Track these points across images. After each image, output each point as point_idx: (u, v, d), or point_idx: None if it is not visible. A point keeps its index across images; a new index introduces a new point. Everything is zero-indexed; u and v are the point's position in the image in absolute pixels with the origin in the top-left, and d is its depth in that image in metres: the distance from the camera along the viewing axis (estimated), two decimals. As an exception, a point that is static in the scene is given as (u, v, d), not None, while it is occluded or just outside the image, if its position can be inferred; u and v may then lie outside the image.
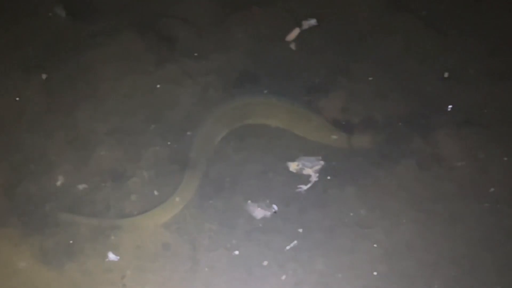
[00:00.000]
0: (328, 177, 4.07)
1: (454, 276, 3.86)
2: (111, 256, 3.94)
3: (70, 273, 3.92)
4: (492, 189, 4.02)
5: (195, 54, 4.45)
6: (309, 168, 4.07)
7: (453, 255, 3.90)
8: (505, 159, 4.08)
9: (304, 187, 4.04)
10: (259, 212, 4.02)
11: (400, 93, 4.31)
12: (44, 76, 4.41)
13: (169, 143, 4.21)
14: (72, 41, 4.50)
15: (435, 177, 4.06)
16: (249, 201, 4.04)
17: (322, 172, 4.08)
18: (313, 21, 4.51)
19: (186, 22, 4.56)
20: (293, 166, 4.07)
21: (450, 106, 4.26)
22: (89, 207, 4.07)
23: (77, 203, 4.08)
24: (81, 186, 4.12)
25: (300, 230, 3.98)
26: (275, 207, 4.04)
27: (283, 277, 3.88)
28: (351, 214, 3.99)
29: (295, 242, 3.95)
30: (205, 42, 4.50)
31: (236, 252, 3.94)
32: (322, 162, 4.06)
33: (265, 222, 4.01)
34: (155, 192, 4.09)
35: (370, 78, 4.36)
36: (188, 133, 4.23)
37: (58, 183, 4.13)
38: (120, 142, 4.22)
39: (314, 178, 4.06)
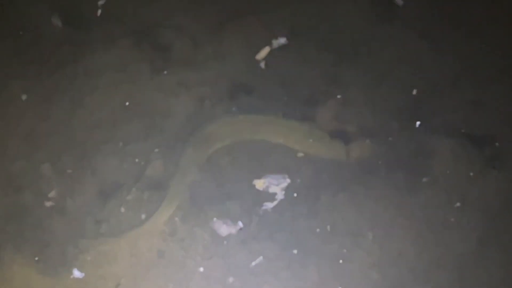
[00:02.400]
0: (295, 194, 4.11)
1: (446, 284, 3.89)
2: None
3: (65, 281, 3.94)
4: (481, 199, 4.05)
5: (191, 64, 4.47)
6: (275, 185, 4.06)
7: (444, 263, 3.91)
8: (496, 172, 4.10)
9: (270, 205, 4.04)
10: (224, 229, 4.02)
11: (391, 101, 4.36)
12: (39, 84, 4.44)
13: (159, 152, 4.22)
14: (68, 49, 4.53)
15: (426, 186, 4.06)
16: (215, 218, 4.04)
17: (288, 190, 4.10)
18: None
19: (181, 32, 4.57)
20: (259, 184, 4.06)
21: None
22: (82, 216, 4.10)
23: (68, 213, 4.10)
24: (72, 198, 4.14)
25: (268, 247, 3.99)
26: (240, 224, 4.04)
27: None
28: (318, 230, 4.01)
29: (261, 258, 3.97)
30: (200, 52, 4.52)
31: (201, 269, 3.96)
32: (288, 180, 4.07)
33: (230, 239, 4.01)
34: (145, 203, 4.10)
35: (361, 87, 4.39)
36: (182, 144, 4.22)
37: (50, 194, 4.17)
38: (114, 151, 4.23)
39: (280, 196, 4.07)
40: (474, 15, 4.56)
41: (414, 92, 4.37)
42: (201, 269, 3.94)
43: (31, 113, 4.36)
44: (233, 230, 4.01)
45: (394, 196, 4.04)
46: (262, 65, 4.47)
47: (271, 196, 4.07)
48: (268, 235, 3.99)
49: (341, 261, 3.93)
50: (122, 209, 4.05)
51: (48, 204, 4.13)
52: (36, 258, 4.00)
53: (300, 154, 4.20)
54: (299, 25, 4.59)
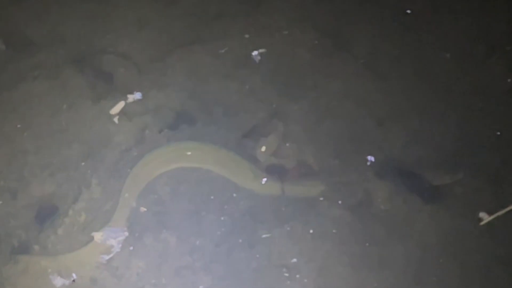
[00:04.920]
0: (131, 248, 4.00)
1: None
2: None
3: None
4: (418, 235, 4.04)
5: (133, 92, 4.45)
6: (112, 238, 4.00)
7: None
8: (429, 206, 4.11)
9: (106, 257, 3.95)
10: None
11: (335, 138, 4.35)
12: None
13: (99, 180, 4.18)
14: (11, 74, 4.53)
15: (365, 221, 4.07)
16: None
17: (124, 243, 4.01)
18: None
19: (126, 59, 4.60)
20: (97, 236, 3.99)
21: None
22: (16, 241, 4.04)
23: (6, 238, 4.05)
24: (12, 220, 4.09)
25: (203, 278, 3.95)
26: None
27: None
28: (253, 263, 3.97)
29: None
30: (144, 80, 4.52)
31: (165, 291, 3.89)
32: (126, 233, 4.01)
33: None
34: (84, 229, 4.04)
35: (304, 121, 4.39)
36: (122, 172, 4.18)
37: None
38: (52, 177, 4.19)
39: (116, 248, 3.98)
40: (421, 50, 4.65)
41: (359, 127, 4.38)
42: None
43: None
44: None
45: (332, 232, 4.03)
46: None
47: (108, 249, 3.98)
48: (205, 267, 3.95)
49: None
50: (59, 232, 4.00)
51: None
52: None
53: (238, 186, 4.18)
54: (260, 48, 4.66)
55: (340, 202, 4.11)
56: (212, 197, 4.13)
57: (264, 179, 4.15)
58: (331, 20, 4.77)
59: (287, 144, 4.30)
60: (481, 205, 4.07)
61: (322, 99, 4.47)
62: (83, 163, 4.22)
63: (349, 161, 4.25)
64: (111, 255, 3.95)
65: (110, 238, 3.99)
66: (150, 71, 4.56)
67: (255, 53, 4.62)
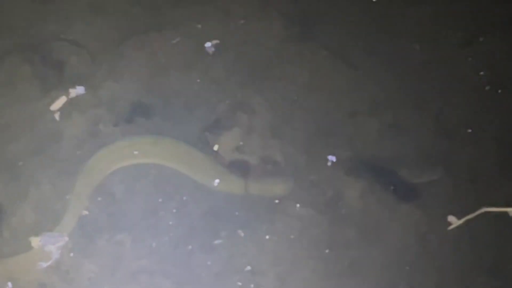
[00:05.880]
0: (71, 254, 3.89)
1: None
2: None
3: None
4: (393, 237, 3.97)
5: (86, 83, 4.34)
6: (51, 244, 3.86)
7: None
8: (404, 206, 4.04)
9: (44, 264, 3.82)
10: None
11: (303, 132, 4.26)
12: None
13: (49, 177, 4.06)
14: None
15: (335, 222, 3.99)
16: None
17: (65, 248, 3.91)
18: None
19: (78, 47, 4.48)
20: (34, 242, 3.85)
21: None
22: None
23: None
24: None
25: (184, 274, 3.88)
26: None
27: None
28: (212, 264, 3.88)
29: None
30: (98, 69, 4.41)
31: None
32: (66, 239, 3.88)
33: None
34: (32, 230, 3.92)
35: (271, 114, 4.31)
36: (73, 169, 4.07)
37: None
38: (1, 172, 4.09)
39: (55, 254, 3.85)
40: (392, 39, 4.59)
41: (329, 120, 4.30)
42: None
43: None
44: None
45: (300, 233, 3.95)
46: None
47: (47, 255, 3.85)
48: (163, 271, 3.85)
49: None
50: (5, 234, 3.92)
51: None
52: None
53: (199, 184, 4.09)
54: (214, 39, 4.54)
55: (308, 201, 4.04)
56: (170, 196, 4.04)
57: (217, 181, 4.08)
58: (296, 7, 4.69)
59: (252, 139, 4.22)
60: (460, 205, 4.02)
61: (289, 90, 4.39)
62: (31, 160, 4.11)
63: (318, 157, 4.17)
64: (49, 263, 3.85)
65: (48, 244, 3.88)
66: (104, 60, 4.45)
67: (208, 44, 4.52)
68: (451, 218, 3.95)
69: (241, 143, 4.21)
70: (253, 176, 4.12)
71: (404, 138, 4.24)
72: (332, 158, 4.16)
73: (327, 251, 3.90)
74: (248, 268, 3.85)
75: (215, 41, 4.52)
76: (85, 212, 3.96)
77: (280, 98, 4.35)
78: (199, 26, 4.58)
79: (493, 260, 3.89)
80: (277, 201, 4.03)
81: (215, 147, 4.15)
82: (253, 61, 4.48)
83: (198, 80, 4.40)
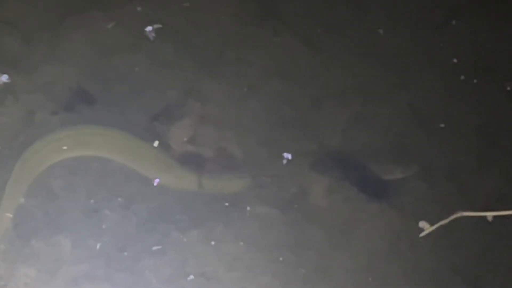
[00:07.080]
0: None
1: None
2: None
3: None
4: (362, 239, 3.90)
5: (20, 66, 4.20)
6: None
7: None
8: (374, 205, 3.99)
9: None
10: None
11: (262, 122, 4.17)
12: None
13: None
14: None
15: (299, 222, 3.92)
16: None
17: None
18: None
19: (11, 27, 4.31)
20: None
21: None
22: None
23: None
24: None
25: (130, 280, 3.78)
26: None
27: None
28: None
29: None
30: (34, 52, 4.26)
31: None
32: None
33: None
34: None
35: (226, 102, 4.22)
36: (7, 162, 3.94)
37: None
38: None
39: None
40: (360, 20, 4.46)
41: (291, 109, 4.20)
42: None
43: None
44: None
45: (259, 235, 3.88)
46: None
47: None
48: (108, 276, 3.75)
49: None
50: None
51: None
52: None
53: (148, 179, 3.99)
54: (155, 23, 4.38)
55: (268, 199, 3.97)
56: (115, 193, 3.93)
57: (157, 180, 3.95)
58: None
59: (205, 129, 4.13)
60: (436, 204, 3.96)
61: (246, 74, 4.30)
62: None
63: (279, 151, 4.08)
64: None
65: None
66: (40, 41, 4.29)
67: (149, 28, 4.36)
68: (422, 224, 3.90)
69: (193, 134, 4.12)
70: (207, 171, 4.05)
71: (374, 129, 4.20)
72: (291, 153, 4.07)
73: (289, 254, 3.84)
74: (202, 272, 3.77)
75: (156, 25, 4.38)
76: (19, 210, 3.83)
77: (236, 84, 4.27)
78: (139, 8, 4.43)
79: (472, 265, 3.87)
80: (233, 198, 3.97)
81: (155, 143, 4.04)
82: (205, 44, 4.36)
83: (146, 64, 4.28)
